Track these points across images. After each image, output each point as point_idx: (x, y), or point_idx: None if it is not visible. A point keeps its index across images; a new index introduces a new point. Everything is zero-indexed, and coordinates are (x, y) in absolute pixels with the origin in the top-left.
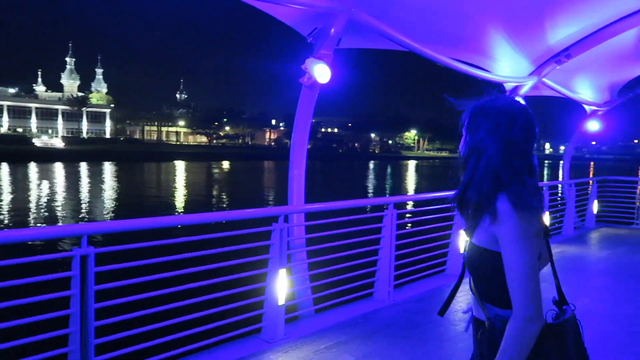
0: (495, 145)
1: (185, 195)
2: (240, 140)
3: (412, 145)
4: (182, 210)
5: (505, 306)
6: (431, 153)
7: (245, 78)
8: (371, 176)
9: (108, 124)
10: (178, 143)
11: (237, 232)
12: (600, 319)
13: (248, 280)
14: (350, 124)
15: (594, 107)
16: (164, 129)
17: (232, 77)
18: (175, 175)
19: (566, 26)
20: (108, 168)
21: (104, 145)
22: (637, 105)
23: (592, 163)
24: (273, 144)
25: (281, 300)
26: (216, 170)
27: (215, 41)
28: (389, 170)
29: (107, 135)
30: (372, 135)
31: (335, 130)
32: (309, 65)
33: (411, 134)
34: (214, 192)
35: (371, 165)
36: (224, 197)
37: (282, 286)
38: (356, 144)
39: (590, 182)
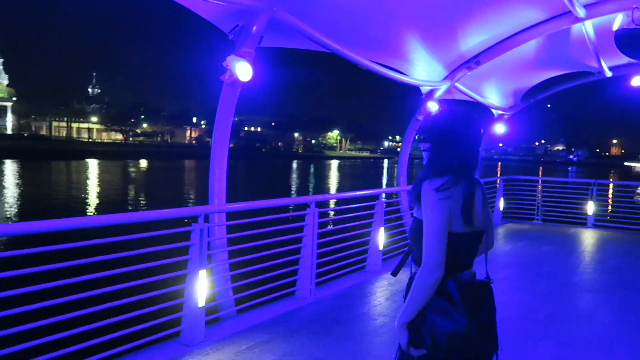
0: (445, 144)
1: (98, 196)
2: (158, 138)
3: (334, 145)
4: (95, 211)
5: None
6: (353, 153)
7: (165, 73)
8: (294, 175)
9: (10, 119)
10: (90, 140)
11: (155, 233)
12: (503, 307)
13: (167, 282)
14: (274, 123)
15: (500, 111)
16: (74, 125)
17: (150, 72)
18: (87, 175)
19: (476, 35)
20: (9, 167)
21: (4, 142)
22: (538, 111)
23: (499, 163)
24: (194, 142)
25: (201, 302)
26: (133, 169)
27: (132, 34)
28: (312, 169)
29: (9, 131)
30: (296, 134)
31: (259, 129)
32: (230, 62)
33: (334, 134)
34: (131, 192)
35: (294, 164)
36: (142, 197)
37: (202, 288)
38: (280, 143)
39: (498, 181)
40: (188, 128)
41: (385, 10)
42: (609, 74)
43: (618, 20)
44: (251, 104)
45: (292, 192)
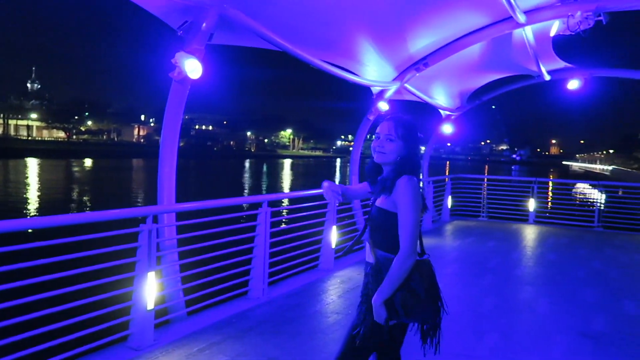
0: (416, 147)
1: (39, 197)
2: (104, 137)
3: (287, 144)
4: (36, 213)
5: (389, 251)
6: (306, 152)
7: (111, 69)
8: (247, 175)
9: None
10: (30, 138)
11: (101, 234)
12: (452, 302)
13: (114, 285)
14: (225, 122)
15: (447, 112)
16: (11, 122)
17: (95, 68)
18: (27, 174)
19: (424, 37)
20: None
21: None
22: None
23: (448, 162)
24: (142, 140)
25: (150, 305)
26: (77, 169)
27: (75, 28)
28: (264, 168)
29: None
30: (248, 133)
31: (210, 127)
32: (179, 59)
33: (287, 133)
34: (74, 193)
35: (247, 163)
36: (86, 197)
37: (150, 290)
38: (232, 142)
39: (446, 179)
40: (136, 126)
41: (336, 11)
42: (547, 77)
43: (555, 27)
44: (202, 101)
45: (245, 191)
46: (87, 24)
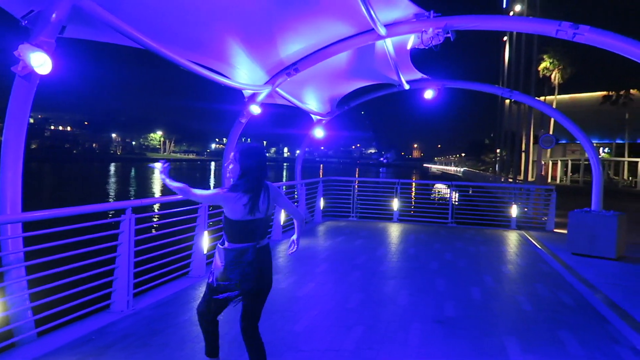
0: (245, 166)
1: None
2: None
3: (158, 146)
4: None
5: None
6: (178, 155)
7: None
8: (112, 180)
9: None
10: None
11: None
12: (323, 299)
13: None
14: (87, 122)
15: (319, 117)
16: None
17: None
18: None
19: (294, 43)
20: None
21: None
22: (354, 117)
23: (322, 165)
24: None
25: None
26: None
27: None
28: (132, 172)
29: None
30: (114, 135)
31: (69, 128)
32: (23, 52)
33: (157, 135)
34: None
35: (112, 167)
36: None
37: None
38: (94, 145)
39: (318, 182)
40: None
41: (204, 12)
42: (406, 86)
43: (411, 41)
44: (59, 100)
45: (111, 197)
46: None
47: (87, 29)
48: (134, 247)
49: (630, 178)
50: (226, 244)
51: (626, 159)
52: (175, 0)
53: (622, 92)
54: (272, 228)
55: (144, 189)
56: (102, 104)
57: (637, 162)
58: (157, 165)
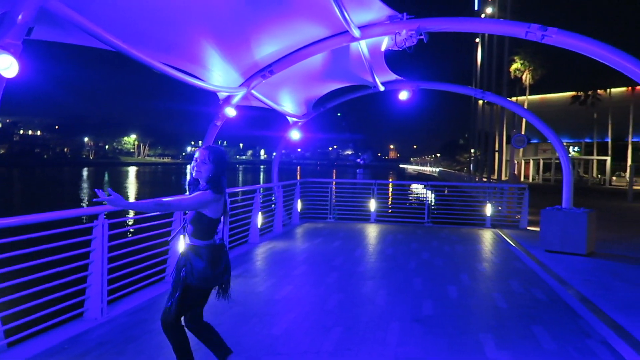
0: (221, 169)
1: None
2: None
3: (132, 150)
4: None
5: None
6: (153, 159)
7: None
8: (85, 185)
9: None
10: None
11: None
12: (301, 302)
13: None
14: (57, 126)
15: (295, 119)
16: None
17: None
18: None
19: (268, 45)
20: None
21: None
22: (330, 119)
23: (299, 167)
24: None
25: None
26: None
27: None
28: (106, 177)
29: None
30: (86, 139)
31: (38, 132)
32: None
33: (131, 139)
34: None
35: (85, 172)
36: None
37: None
38: (66, 149)
39: (296, 183)
40: None
41: (176, 14)
42: (381, 88)
43: (385, 43)
44: (27, 103)
45: (84, 203)
46: None
47: (56, 30)
48: (108, 253)
49: (599, 176)
50: (201, 242)
51: (595, 157)
52: (146, 2)
53: (590, 93)
54: (250, 231)
55: (119, 193)
56: (73, 107)
57: (605, 160)
58: (105, 196)
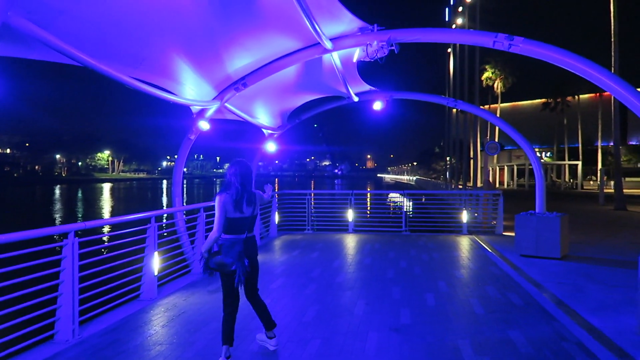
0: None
1: None
2: None
3: (106, 166)
4: None
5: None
6: (128, 174)
7: None
8: (58, 203)
9: None
10: None
11: None
12: (279, 315)
13: None
14: (27, 144)
15: (270, 131)
16: None
17: None
18: None
19: (241, 58)
20: None
21: None
22: (306, 130)
23: (277, 179)
24: None
25: None
26: None
27: None
28: (79, 194)
29: None
30: (58, 156)
31: (8, 150)
32: None
33: (104, 155)
34: None
35: (57, 190)
36: None
37: None
38: (37, 167)
39: (274, 196)
40: None
41: (145, 29)
42: (355, 98)
43: (357, 54)
44: None
45: (58, 221)
46: None
47: (20, 46)
48: (79, 273)
49: (571, 180)
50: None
51: (566, 162)
52: (115, 16)
53: (559, 100)
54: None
55: (92, 210)
56: (43, 124)
57: (576, 164)
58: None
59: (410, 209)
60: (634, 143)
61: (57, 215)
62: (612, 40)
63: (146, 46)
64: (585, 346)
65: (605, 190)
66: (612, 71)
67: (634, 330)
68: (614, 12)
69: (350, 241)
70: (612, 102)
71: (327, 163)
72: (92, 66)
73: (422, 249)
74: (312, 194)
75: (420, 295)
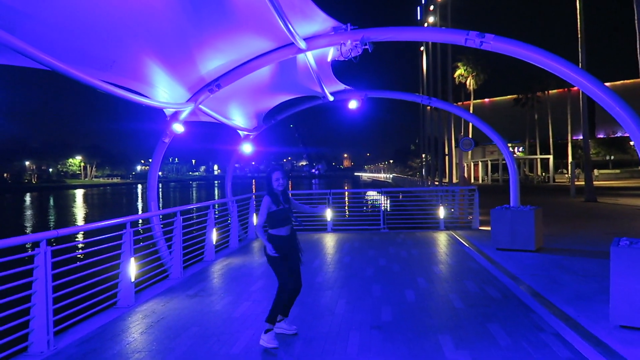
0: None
1: None
2: None
3: (78, 172)
4: None
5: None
6: (101, 180)
7: None
8: (28, 211)
9: None
10: None
11: None
12: (259, 318)
13: None
14: None
15: (246, 132)
16: None
17: None
18: None
19: (214, 59)
20: None
21: None
22: (282, 131)
23: (254, 180)
24: None
25: None
26: None
27: None
28: (51, 202)
29: None
30: (27, 163)
31: None
32: None
33: (76, 161)
34: None
35: (28, 198)
36: None
37: None
38: (5, 174)
39: (251, 197)
40: None
41: (115, 31)
42: (331, 98)
43: (331, 53)
44: None
45: (28, 229)
46: None
47: None
48: (52, 282)
49: (543, 174)
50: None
51: (538, 156)
52: (84, 19)
53: (529, 95)
54: (205, 249)
55: (64, 218)
56: (10, 130)
57: (548, 158)
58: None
59: (388, 207)
60: (602, 136)
61: (28, 224)
62: (579, 36)
63: (117, 49)
64: (561, 336)
65: (576, 183)
66: (580, 66)
67: (608, 319)
68: (579, 9)
69: (330, 240)
70: (580, 96)
71: (304, 163)
72: (61, 70)
73: (401, 246)
74: (290, 195)
75: (400, 292)
